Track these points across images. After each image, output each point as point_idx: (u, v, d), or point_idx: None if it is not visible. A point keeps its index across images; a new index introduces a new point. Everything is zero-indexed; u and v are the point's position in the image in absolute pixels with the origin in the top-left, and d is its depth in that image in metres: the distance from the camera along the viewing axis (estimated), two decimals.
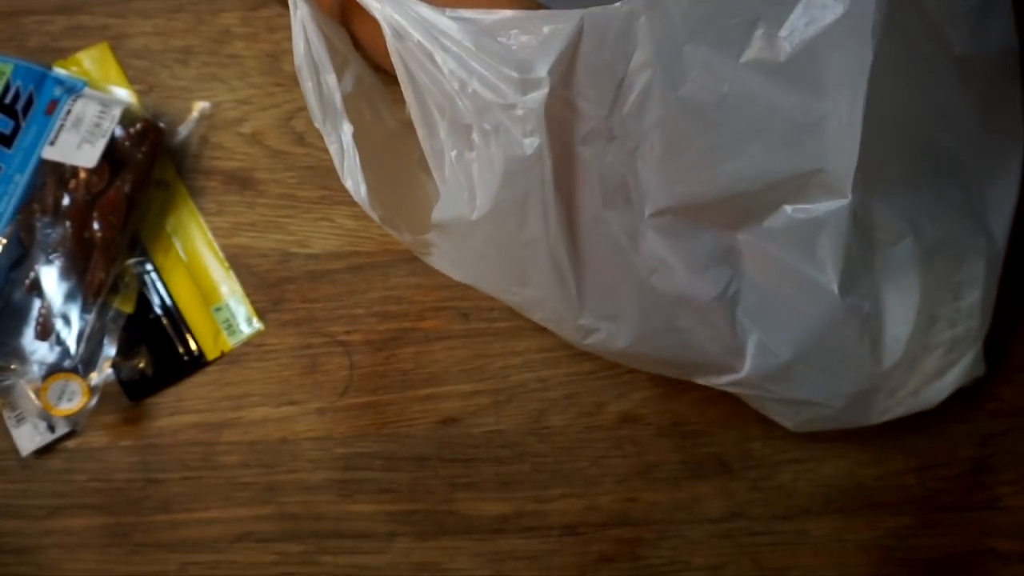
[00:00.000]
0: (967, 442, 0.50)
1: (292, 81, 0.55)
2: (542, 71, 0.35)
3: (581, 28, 0.35)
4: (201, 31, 0.55)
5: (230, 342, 0.52)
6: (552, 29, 0.35)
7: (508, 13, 0.35)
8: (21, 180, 0.51)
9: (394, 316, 0.52)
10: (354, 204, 0.42)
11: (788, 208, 0.38)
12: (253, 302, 0.52)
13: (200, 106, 0.54)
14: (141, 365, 0.51)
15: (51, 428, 0.51)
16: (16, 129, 0.51)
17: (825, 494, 0.50)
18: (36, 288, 0.50)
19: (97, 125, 0.51)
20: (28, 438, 0.50)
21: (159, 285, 0.53)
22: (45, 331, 0.50)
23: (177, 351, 0.52)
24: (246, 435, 0.51)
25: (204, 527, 0.50)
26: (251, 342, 0.52)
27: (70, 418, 0.50)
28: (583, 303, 0.40)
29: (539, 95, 0.35)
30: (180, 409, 0.51)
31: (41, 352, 0.50)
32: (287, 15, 0.55)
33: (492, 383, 0.51)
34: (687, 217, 0.38)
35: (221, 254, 0.53)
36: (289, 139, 0.54)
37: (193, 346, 0.52)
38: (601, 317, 0.40)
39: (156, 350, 0.52)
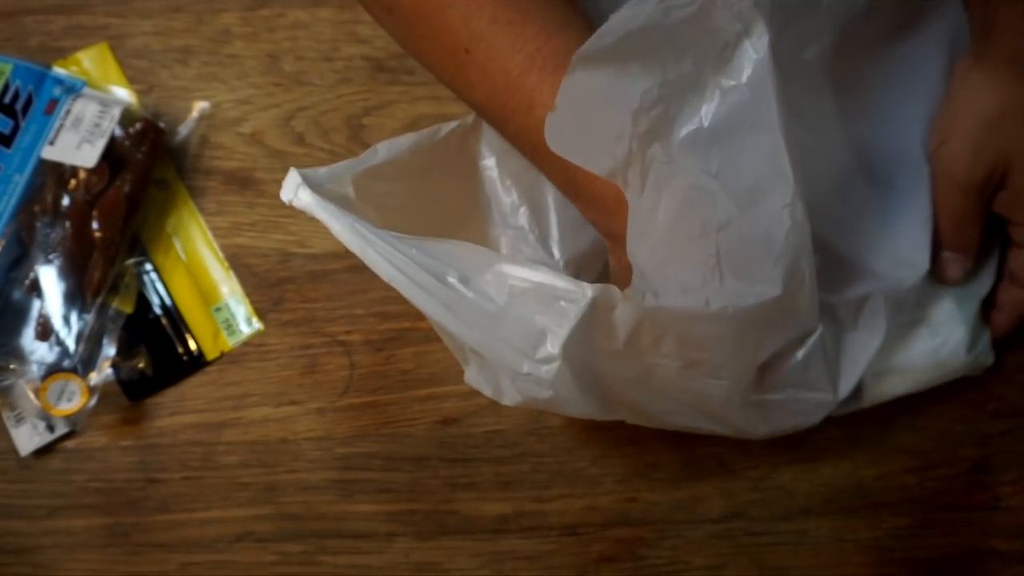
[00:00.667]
0: (967, 442, 0.50)
1: (292, 81, 0.55)
2: (554, 348, 0.37)
3: (593, 304, 0.37)
4: (201, 31, 0.55)
5: (230, 342, 0.52)
6: (563, 307, 0.37)
7: (520, 282, 0.37)
8: (20, 180, 0.51)
9: (394, 316, 0.52)
10: None
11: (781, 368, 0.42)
12: (253, 302, 0.52)
13: (200, 106, 0.54)
14: (141, 365, 0.51)
15: (50, 428, 0.50)
16: (15, 129, 0.51)
17: (825, 494, 0.50)
18: (36, 288, 0.50)
19: (97, 125, 0.51)
20: (27, 438, 0.50)
21: (159, 285, 0.53)
22: (45, 331, 0.50)
23: (177, 351, 0.52)
24: (246, 435, 0.51)
25: (204, 527, 0.50)
26: (251, 342, 0.52)
27: (69, 418, 0.50)
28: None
29: (553, 367, 0.37)
30: (180, 409, 0.51)
31: (40, 352, 0.50)
32: (287, 15, 0.56)
33: None
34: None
35: (221, 254, 0.53)
36: (289, 139, 0.54)
37: (193, 346, 0.52)
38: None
39: (156, 350, 0.52)
